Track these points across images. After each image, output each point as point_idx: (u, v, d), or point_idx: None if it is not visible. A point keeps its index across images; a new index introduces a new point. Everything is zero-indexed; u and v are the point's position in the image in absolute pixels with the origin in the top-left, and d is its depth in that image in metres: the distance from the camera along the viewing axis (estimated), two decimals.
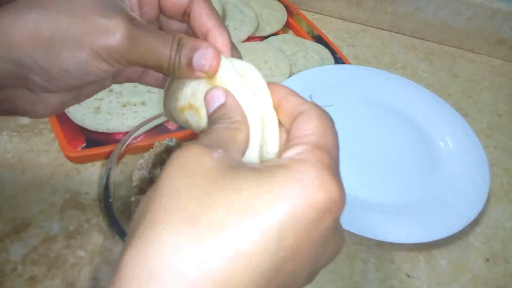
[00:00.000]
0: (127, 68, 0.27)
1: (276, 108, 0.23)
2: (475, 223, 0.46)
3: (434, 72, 0.68)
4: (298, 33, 0.67)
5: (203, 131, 0.24)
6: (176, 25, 0.28)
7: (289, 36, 0.65)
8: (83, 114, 0.46)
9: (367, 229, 0.41)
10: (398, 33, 0.74)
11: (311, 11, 0.75)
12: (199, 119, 0.25)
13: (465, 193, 0.46)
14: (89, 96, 0.28)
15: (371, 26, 0.75)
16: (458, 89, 0.65)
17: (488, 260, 0.44)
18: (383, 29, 0.74)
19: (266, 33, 0.65)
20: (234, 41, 0.66)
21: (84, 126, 0.46)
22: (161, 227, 0.16)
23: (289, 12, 0.70)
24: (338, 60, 0.62)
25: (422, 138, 0.53)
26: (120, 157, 0.39)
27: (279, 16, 0.68)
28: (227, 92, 0.23)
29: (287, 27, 0.69)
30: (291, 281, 0.19)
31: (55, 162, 0.45)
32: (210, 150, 0.19)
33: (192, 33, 0.27)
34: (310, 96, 0.55)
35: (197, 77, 0.24)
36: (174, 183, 0.18)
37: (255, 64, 0.60)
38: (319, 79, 0.57)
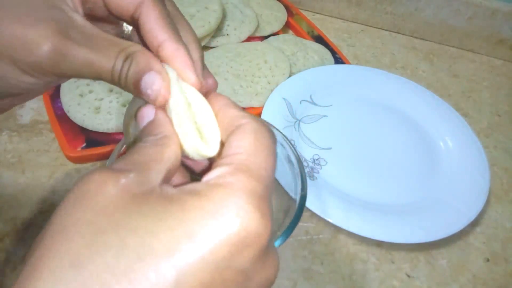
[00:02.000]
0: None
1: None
2: (475, 223, 0.46)
3: (434, 72, 0.68)
4: (298, 33, 0.67)
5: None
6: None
7: (289, 36, 0.65)
8: (83, 114, 0.46)
9: (367, 229, 0.41)
10: (398, 33, 0.74)
11: (311, 11, 0.75)
12: None
13: (465, 193, 0.46)
14: (16, 104, 0.25)
15: (371, 26, 0.75)
16: (458, 89, 0.65)
17: (488, 260, 0.44)
18: (383, 29, 0.74)
19: (266, 33, 0.65)
20: (234, 41, 0.66)
21: (84, 126, 0.46)
22: (44, 275, 0.14)
23: (289, 12, 0.70)
24: (338, 60, 0.62)
25: (422, 138, 0.53)
26: (120, 157, 0.39)
27: (279, 16, 0.68)
28: (157, 109, 0.21)
29: (287, 27, 0.69)
30: None
31: (55, 162, 0.45)
32: (117, 175, 0.16)
33: (142, 43, 0.22)
34: (310, 96, 0.55)
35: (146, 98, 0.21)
36: (63, 220, 0.15)
37: (255, 64, 0.60)
38: (319, 79, 0.57)
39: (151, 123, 0.20)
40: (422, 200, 0.46)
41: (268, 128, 0.20)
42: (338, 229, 0.43)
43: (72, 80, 0.49)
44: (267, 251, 0.18)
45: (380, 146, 0.51)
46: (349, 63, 0.62)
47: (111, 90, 0.49)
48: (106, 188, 0.16)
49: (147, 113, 0.21)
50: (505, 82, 0.68)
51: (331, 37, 0.67)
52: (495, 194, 0.50)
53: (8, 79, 0.20)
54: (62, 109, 0.47)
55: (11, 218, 0.40)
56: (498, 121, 0.61)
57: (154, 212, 0.15)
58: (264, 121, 0.20)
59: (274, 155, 0.19)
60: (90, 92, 0.48)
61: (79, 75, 0.21)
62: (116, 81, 0.21)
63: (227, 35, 0.61)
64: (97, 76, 0.21)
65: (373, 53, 0.69)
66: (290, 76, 0.56)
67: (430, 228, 0.42)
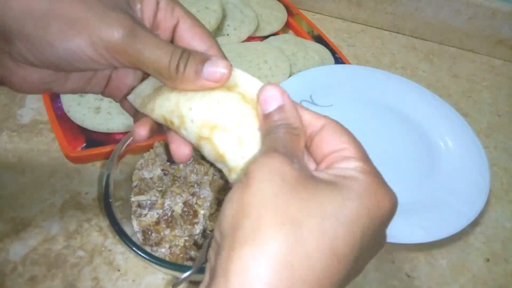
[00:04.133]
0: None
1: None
2: (475, 223, 0.46)
3: (434, 72, 0.68)
4: (298, 33, 0.67)
5: (262, 135, 0.23)
6: None
7: (289, 36, 0.65)
8: (83, 114, 0.46)
9: None
10: (398, 33, 0.74)
11: (311, 11, 0.75)
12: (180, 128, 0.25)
13: (465, 193, 0.46)
14: (68, 90, 0.27)
15: (371, 26, 0.75)
16: (458, 89, 0.65)
17: (488, 260, 0.44)
18: (383, 29, 0.74)
19: (266, 33, 0.65)
20: (234, 41, 0.66)
21: (84, 126, 0.46)
22: (268, 230, 0.18)
23: (289, 12, 0.70)
24: (338, 60, 0.62)
25: (422, 138, 0.53)
26: (120, 157, 0.39)
27: (279, 16, 0.68)
28: (283, 93, 0.23)
29: (287, 27, 0.69)
30: (354, 270, 0.20)
31: (55, 162, 0.45)
32: (290, 159, 0.20)
33: None
34: (310, 96, 0.55)
35: (202, 87, 0.24)
36: (270, 189, 0.19)
37: (255, 64, 0.60)
38: (319, 79, 0.57)
39: (282, 109, 0.22)
40: (422, 200, 0.46)
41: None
42: None
43: None
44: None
45: (380, 146, 0.51)
46: (349, 63, 0.62)
47: None
48: (287, 169, 0.19)
49: (275, 96, 0.23)
50: (505, 82, 0.68)
51: (331, 37, 0.67)
52: (495, 194, 0.50)
53: (76, 50, 0.22)
54: (62, 109, 0.47)
55: (11, 218, 0.40)
56: (498, 121, 0.61)
57: (330, 189, 0.20)
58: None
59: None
60: None
61: (141, 63, 0.23)
62: (173, 70, 0.23)
63: (227, 35, 0.61)
64: (156, 66, 0.23)
65: (373, 53, 0.69)
66: (290, 76, 0.56)
67: (430, 228, 0.42)
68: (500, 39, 0.70)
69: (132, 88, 0.28)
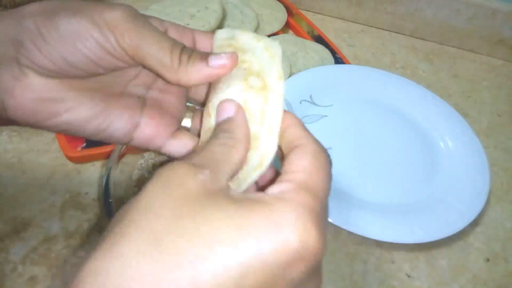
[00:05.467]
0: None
1: (281, 135, 0.23)
2: (475, 223, 0.46)
3: (434, 72, 0.68)
4: (298, 33, 0.67)
5: (199, 146, 0.24)
6: None
7: (289, 36, 0.65)
8: None
9: (367, 229, 0.41)
10: (398, 33, 0.74)
11: (311, 11, 0.75)
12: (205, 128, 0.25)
13: (465, 193, 0.46)
14: (83, 121, 0.25)
15: (371, 26, 0.75)
16: (458, 89, 0.65)
17: (488, 260, 0.44)
18: (383, 29, 0.74)
19: (266, 33, 0.65)
20: None
21: None
22: (127, 244, 0.16)
23: (289, 12, 0.70)
24: (338, 60, 0.62)
25: (422, 138, 0.53)
26: (120, 157, 0.39)
27: (279, 16, 0.68)
28: (239, 108, 0.23)
29: (287, 27, 0.69)
30: None
31: (55, 162, 0.45)
32: (196, 170, 0.18)
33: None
34: (310, 96, 0.55)
35: (205, 77, 0.24)
36: (150, 200, 0.18)
37: None
38: (319, 79, 0.57)
39: (230, 121, 0.23)
40: (422, 200, 0.46)
41: (326, 151, 0.21)
42: (338, 229, 0.43)
43: None
44: (318, 268, 0.19)
45: (380, 146, 0.51)
46: (349, 63, 0.62)
47: None
48: (186, 180, 0.18)
49: (229, 108, 0.23)
50: (505, 82, 0.68)
51: (331, 37, 0.67)
52: (495, 194, 0.50)
53: (86, 35, 0.22)
54: None
55: (11, 218, 0.40)
56: (498, 121, 0.61)
57: (225, 210, 0.17)
58: (321, 144, 0.22)
59: (330, 177, 0.21)
60: None
61: (143, 48, 0.23)
62: (175, 62, 0.23)
63: None
64: (158, 53, 0.23)
65: (373, 53, 0.69)
66: (290, 76, 0.56)
67: (430, 228, 0.42)
68: (500, 39, 0.70)
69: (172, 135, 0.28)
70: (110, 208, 0.35)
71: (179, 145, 0.27)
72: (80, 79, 0.24)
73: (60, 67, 0.23)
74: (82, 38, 0.22)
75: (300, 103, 0.54)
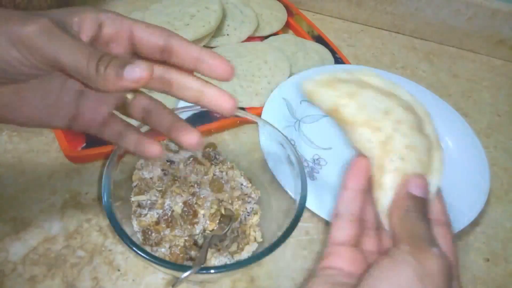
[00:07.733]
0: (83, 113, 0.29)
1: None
2: (475, 223, 0.46)
3: (434, 72, 0.68)
4: (298, 33, 0.67)
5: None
6: None
7: (289, 36, 0.65)
8: None
9: None
10: (398, 33, 0.74)
11: (311, 11, 0.75)
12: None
13: (465, 193, 0.46)
14: (24, 118, 0.28)
15: (371, 26, 0.75)
16: (458, 89, 0.65)
17: (488, 260, 0.44)
18: (383, 29, 0.74)
19: (266, 33, 0.65)
20: (234, 41, 0.66)
21: None
22: None
23: (289, 12, 0.70)
24: (338, 60, 0.62)
25: None
26: (120, 157, 0.39)
27: (279, 16, 0.68)
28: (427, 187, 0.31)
29: (287, 27, 0.69)
30: None
31: (55, 162, 0.45)
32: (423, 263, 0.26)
33: (175, 67, 0.28)
34: None
35: (121, 88, 0.24)
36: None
37: (255, 64, 0.60)
38: None
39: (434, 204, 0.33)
40: None
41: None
42: None
43: None
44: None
45: None
46: (349, 63, 0.62)
47: None
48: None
49: (423, 186, 0.32)
50: (505, 82, 0.68)
51: (331, 37, 0.67)
52: (495, 194, 0.50)
53: (4, 53, 0.23)
54: None
55: (11, 218, 0.40)
56: (498, 121, 0.61)
57: None
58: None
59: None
60: None
61: (59, 59, 0.24)
62: (92, 73, 0.23)
63: (227, 35, 0.61)
64: (74, 63, 0.23)
65: (373, 53, 0.69)
66: (290, 76, 0.56)
67: None
68: (500, 39, 0.70)
69: (108, 116, 0.30)
70: (110, 208, 0.35)
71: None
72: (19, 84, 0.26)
73: None
74: (3, 58, 0.24)
75: (300, 103, 0.53)
